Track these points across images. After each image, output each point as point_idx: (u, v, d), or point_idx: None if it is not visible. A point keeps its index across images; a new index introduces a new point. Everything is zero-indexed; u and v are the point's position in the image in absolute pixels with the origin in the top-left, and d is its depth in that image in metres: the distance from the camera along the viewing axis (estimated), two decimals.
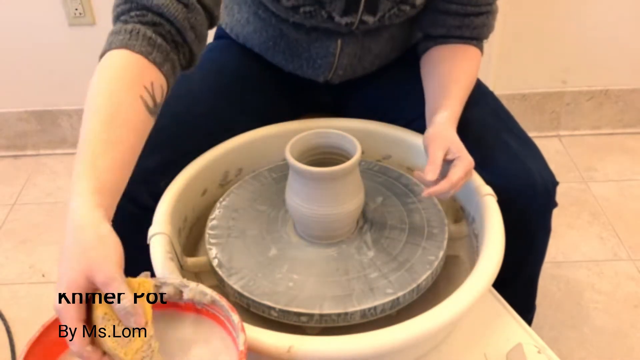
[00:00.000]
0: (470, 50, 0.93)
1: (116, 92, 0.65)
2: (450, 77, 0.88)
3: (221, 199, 0.86)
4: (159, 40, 0.69)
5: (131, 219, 0.84)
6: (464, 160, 0.74)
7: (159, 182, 0.85)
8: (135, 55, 0.67)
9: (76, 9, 1.66)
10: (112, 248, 0.55)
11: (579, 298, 1.34)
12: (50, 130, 1.88)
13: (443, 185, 0.72)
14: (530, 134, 0.92)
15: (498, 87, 1.10)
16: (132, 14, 0.69)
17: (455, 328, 0.76)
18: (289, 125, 0.95)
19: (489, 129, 0.88)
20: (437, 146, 0.75)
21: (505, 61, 1.73)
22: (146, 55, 0.68)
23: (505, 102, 0.98)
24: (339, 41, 0.93)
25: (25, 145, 1.91)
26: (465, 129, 0.81)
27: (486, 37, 0.95)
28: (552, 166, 0.89)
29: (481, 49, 0.95)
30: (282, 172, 0.90)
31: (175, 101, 0.93)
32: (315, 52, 0.95)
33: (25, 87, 1.81)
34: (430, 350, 0.73)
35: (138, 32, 0.68)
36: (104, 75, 0.66)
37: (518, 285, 0.95)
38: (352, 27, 0.90)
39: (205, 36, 0.76)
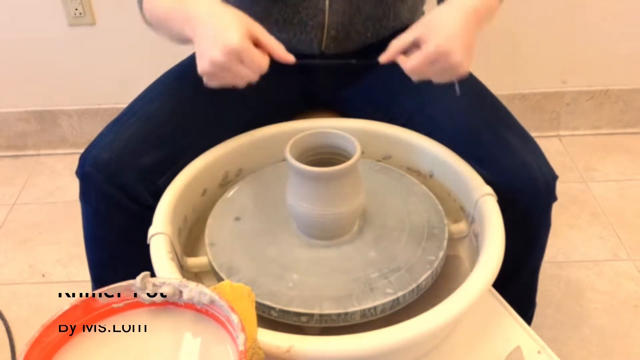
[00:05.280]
0: None
1: None
2: None
3: (221, 199, 0.86)
4: None
5: (131, 217, 0.85)
6: (427, 47, 0.71)
7: (157, 180, 0.85)
8: None
9: (76, 9, 1.66)
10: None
11: (579, 298, 1.34)
12: (50, 130, 1.88)
13: (401, 59, 0.74)
14: (531, 134, 0.92)
15: (498, 87, 1.10)
16: None
17: (455, 328, 0.76)
18: (289, 125, 0.95)
19: (488, 126, 0.88)
20: (410, 30, 0.74)
21: (505, 61, 1.73)
22: None
23: (505, 102, 0.98)
24: None
25: (25, 145, 1.91)
26: (464, 127, 0.81)
27: None
28: (552, 166, 0.88)
29: None
30: (282, 172, 0.90)
31: (173, 98, 0.93)
32: (305, 14, 0.96)
33: (25, 87, 1.81)
34: (430, 350, 0.73)
35: None
36: None
37: (520, 280, 0.95)
38: None
39: None
